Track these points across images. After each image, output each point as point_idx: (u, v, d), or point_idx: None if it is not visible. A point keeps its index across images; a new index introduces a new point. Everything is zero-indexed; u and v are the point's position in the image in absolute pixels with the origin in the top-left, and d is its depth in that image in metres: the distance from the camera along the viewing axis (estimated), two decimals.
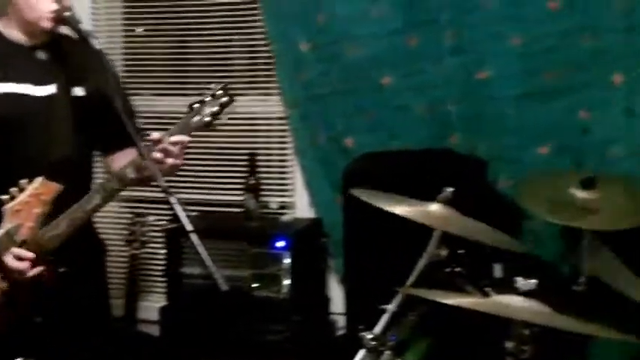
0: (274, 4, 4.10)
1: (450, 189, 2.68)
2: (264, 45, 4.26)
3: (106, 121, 2.78)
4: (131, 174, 2.66)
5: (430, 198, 2.71)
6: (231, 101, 2.67)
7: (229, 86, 2.71)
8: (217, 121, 2.67)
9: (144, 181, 2.68)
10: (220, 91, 2.68)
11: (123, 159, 2.82)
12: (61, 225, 2.63)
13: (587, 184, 3.31)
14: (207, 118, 2.66)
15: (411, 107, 3.92)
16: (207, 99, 2.67)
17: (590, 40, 3.62)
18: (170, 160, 2.62)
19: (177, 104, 4.31)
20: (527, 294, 2.23)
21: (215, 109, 2.66)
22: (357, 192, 2.77)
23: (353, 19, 3.95)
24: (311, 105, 4.10)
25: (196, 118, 2.67)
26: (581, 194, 3.28)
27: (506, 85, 3.76)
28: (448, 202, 2.67)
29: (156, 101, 4.53)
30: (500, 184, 3.79)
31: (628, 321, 2.62)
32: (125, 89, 3.15)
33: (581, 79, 3.66)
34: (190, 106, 2.68)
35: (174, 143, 2.62)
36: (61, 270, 2.66)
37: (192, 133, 2.68)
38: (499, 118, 3.77)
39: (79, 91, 2.86)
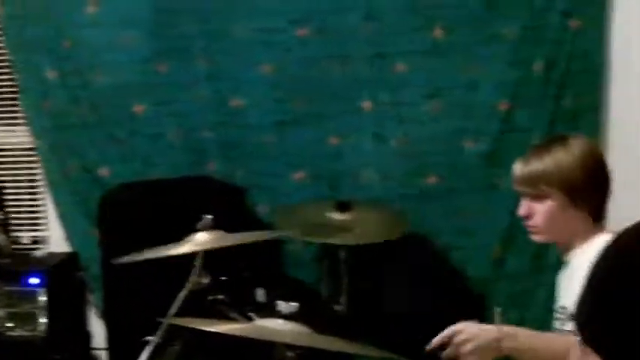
0: (17, 31, 3.93)
1: (209, 216, 2.67)
2: (8, 74, 4.07)
3: None
4: None
5: (189, 226, 2.69)
6: None
7: None
8: None
9: None
10: None
11: None
12: None
13: (342, 208, 3.42)
14: None
15: (166, 135, 3.88)
16: None
17: (339, 67, 3.74)
18: None
19: None
20: (288, 317, 2.24)
21: None
22: (121, 260, 2.68)
23: (101, 46, 3.86)
24: (60, 135, 3.96)
25: None
26: (337, 217, 3.39)
27: (260, 112, 3.80)
28: (209, 229, 2.66)
29: None
30: (258, 210, 3.83)
31: (386, 338, 2.71)
32: None
33: (332, 106, 3.77)
34: None
35: None
36: None
37: None
38: (255, 146, 3.82)
39: None
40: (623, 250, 1.21)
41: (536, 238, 2.45)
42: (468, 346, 2.28)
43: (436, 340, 2.29)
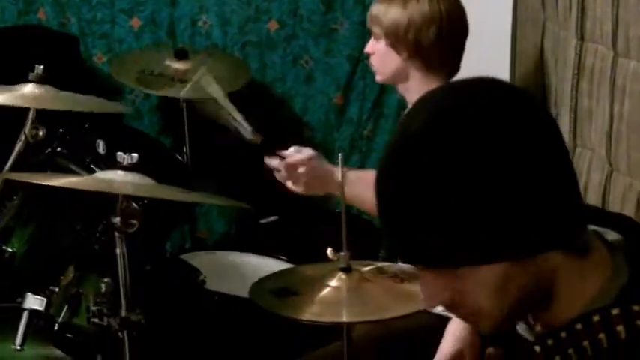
0: None
1: (41, 67, 2.57)
2: None
3: None
4: None
5: (22, 77, 2.59)
6: None
7: None
8: None
9: None
10: None
11: None
12: None
13: (180, 55, 3.38)
14: None
15: None
16: None
17: None
18: None
19: None
20: (129, 168, 2.21)
21: None
22: None
23: None
24: None
25: None
26: (175, 65, 3.35)
27: None
28: (41, 81, 2.56)
29: None
30: (94, 60, 3.73)
31: (229, 186, 2.75)
32: None
33: None
34: None
35: None
36: None
37: None
38: None
39: None
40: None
41: (376, 77, 2.55)
42: (300, 169, 2.36)
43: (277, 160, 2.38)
